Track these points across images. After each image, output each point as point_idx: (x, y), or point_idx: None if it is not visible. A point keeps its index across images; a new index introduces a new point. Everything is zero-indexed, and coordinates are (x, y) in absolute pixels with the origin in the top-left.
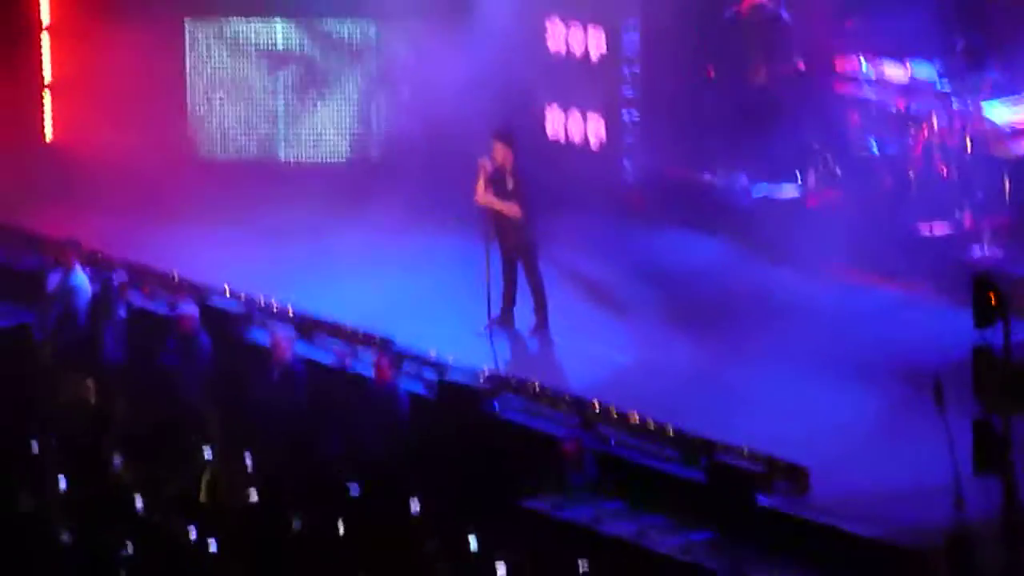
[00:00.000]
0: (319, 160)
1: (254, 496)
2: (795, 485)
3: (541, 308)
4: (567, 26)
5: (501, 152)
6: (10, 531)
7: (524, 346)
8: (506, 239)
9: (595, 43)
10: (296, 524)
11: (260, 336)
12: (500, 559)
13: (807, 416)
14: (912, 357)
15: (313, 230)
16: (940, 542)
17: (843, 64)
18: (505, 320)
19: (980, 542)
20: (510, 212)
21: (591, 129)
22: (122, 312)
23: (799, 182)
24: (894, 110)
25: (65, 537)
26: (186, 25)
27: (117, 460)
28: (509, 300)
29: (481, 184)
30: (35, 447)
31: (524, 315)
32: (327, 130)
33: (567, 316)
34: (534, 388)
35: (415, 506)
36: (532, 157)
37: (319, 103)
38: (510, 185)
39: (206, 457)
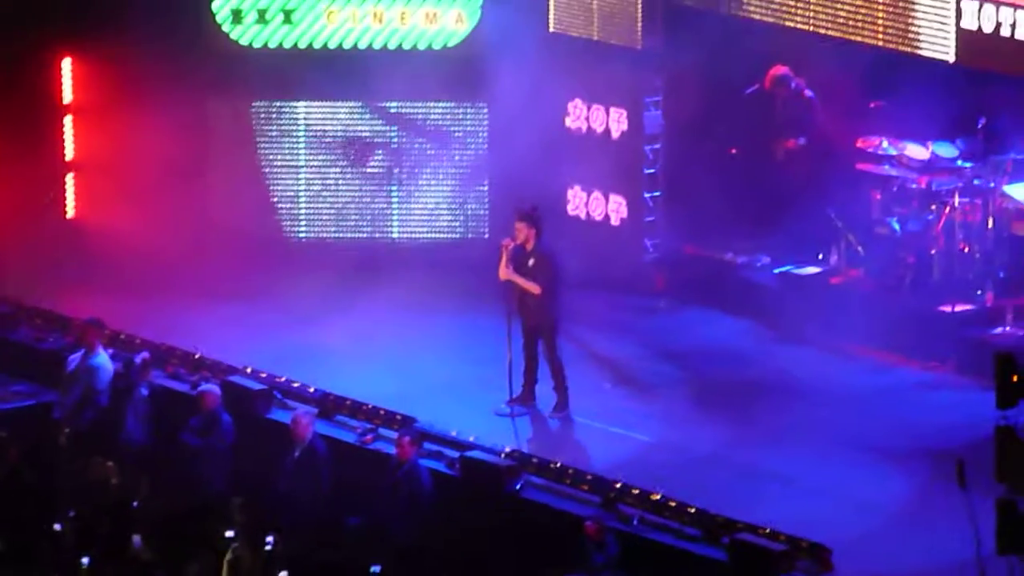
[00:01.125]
0: (341, 237)
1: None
2: (818, 565)
3: (561, 387)
4: (588, 107)
5: (523, 231)
6: None
7: (546, 425)
8: (527, 318)
9: (617, 122)
10: None
11: (281, 415)
12: None
13: (830, 496)
14: (935, 437)
15: (334, 309)
16: None
17: (865, 143)
18: (526, 399)
19: None
20: (531, 289)
21: (612, 208)
22: (144, 391)
23: (821, 260)
24: (916, 188)
25: None
26: (208, 104)
27: (137, 540)
28: (531, 379)
29: (503, 262)
30: (57, 527)
31: (546, 394)
32: (348, 208)
33: (589, 396)
34: (556, 467)
35: None
36: (554, 236)
37: (340, 182)
38: (531, 264)
39: (228, 537)
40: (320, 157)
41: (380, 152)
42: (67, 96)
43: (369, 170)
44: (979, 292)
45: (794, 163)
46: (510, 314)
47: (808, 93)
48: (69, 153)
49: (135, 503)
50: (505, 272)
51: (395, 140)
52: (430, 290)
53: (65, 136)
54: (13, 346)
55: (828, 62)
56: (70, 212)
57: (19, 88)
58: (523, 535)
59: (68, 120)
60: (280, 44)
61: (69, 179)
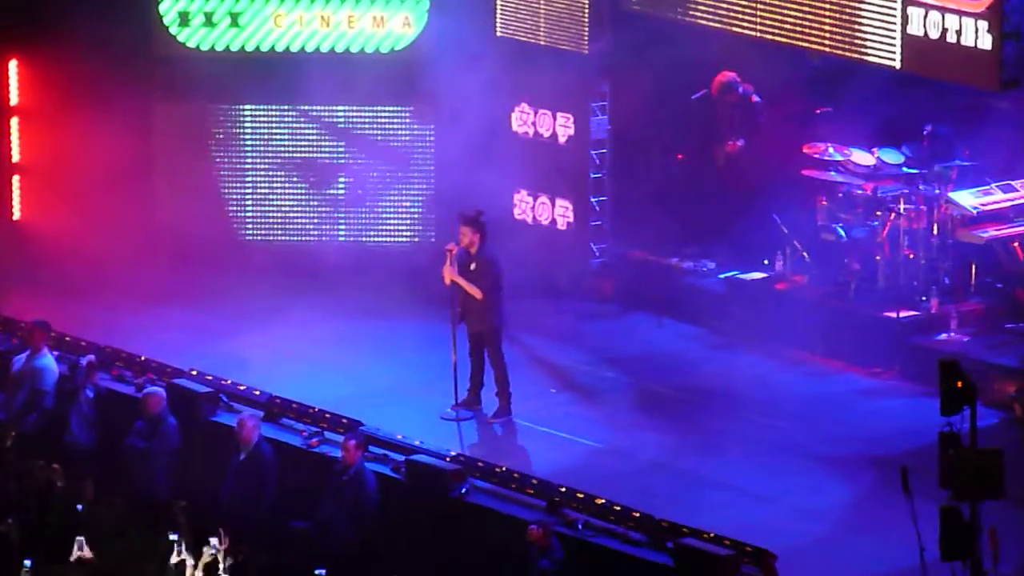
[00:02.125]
0: (286, 241)
1: None
2: (762, 570)
3: (504, 393)
4: (535, 111)
5: (467, 235)
6: None
7: (491, 430)
8: (471, 323)
9: (563, 127)
10: None
11: (227, 418)
12: None
13: (774, 502)
14: (879, 443)
15: (280, 311)
16: None
17: (811, 149)
18: (472, 403)
19: None
20: (473, 293)
21: (559, 212)
22: (89, 393)
23: (767, 266)
24: (861, 195)
25: None
26: (154, 107)
27: (81, 542)
28: (476, 383)
29: (447, 266)
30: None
31: (491, 399)
32: (293, 212)
33: (535, 400)
34: (501, 471)
35: None
36: (500, 240)
37: (285, 185)
38: (473, 268)
39: (172, 540)
40: (267, 161)
41: (342, 174)
42: (13, 98)
43: (314, 173)
44: (924, 298)
45: (737, 168)
46: (454, 319)
47: (755, 98)
48: (15, 155)
49: (80, 506)
50: (449, 275)
51: (342, 145)
52: (376, 294)
53: (11, 138)
54: None
55: (774, 68)
56: (16, 214)
57: None
58: (468, 539)
59: (14, 122)
60: (227, 47)
61: (15, 181)
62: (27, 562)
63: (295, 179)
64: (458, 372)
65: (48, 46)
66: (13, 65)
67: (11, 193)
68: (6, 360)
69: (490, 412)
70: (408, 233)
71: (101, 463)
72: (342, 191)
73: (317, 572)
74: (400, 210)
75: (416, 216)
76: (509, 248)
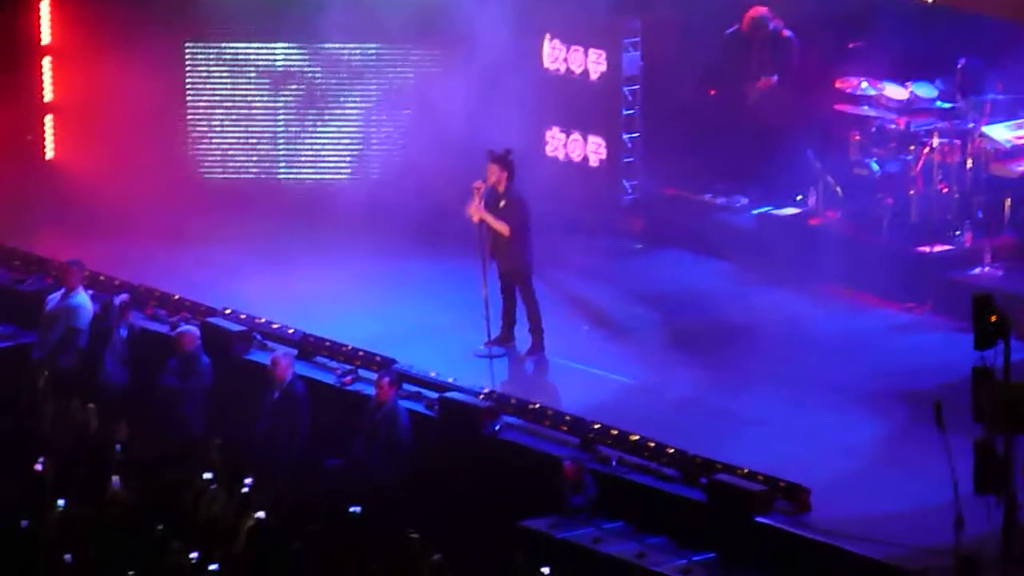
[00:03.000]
0: (320, 180)
1: (255, 518)
2: (796, 505)
3: (536, 330)
4: (567, 48)
5: (495, 173)
6: (12, 550)
7: (524, 367)
8: (501, 262)
9: (595, 63)
10: (296, 545)
11: (261, 356)
12: None
13: (808, 436)
14: (912, 378)
15: (313, 251)
16: (941, 562)
17: (844, 83)
18: (505, 340)
19: (984, 563)
20: (500, 230)
21: (591, 149)
22: (123, 332)
23: (800, 202)
24: (895, 129)
25: (67, 557)
26: (186, 47)
27: (116, 482)
28: (509, 320)
29: (474, 204)
30: (36, 468)
31: (523, 336)
32: (327, 151)
33: (568, 337)
34: (534, 408)
35: (416, 524)
36: (531, 177)
37: (319, 124)
38: (502, 206)
39: (206, 479)
40: (299, 99)
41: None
42: (45, 37)
43: (348, 111)
44: (957, 233)
45: (770, 103)
46: (484, 256)
47: (787, 33)
48: (48, 94)
49: (117, 446)
50: (477, 212)
51: (373, 82)
52: (408, 232)
53: (43, 77)
54: None
55: (806, 2)
56: (49, 154)
57: None
58: (501, 476)
59: (46, 61)
60: None
61: (48, 121)
62: (60, 502)
63: (327, 117)
64: (490, 309)
65: None
66: (45, 4)
67: (44, 133)
68: (40, 299)
69: (523, 349)
70: (438, 171)
71: (135, 402)
72: (374, 130)
73: (351, 510)
74: (430, 148)
75: (445, 154)
76: (540, 185)
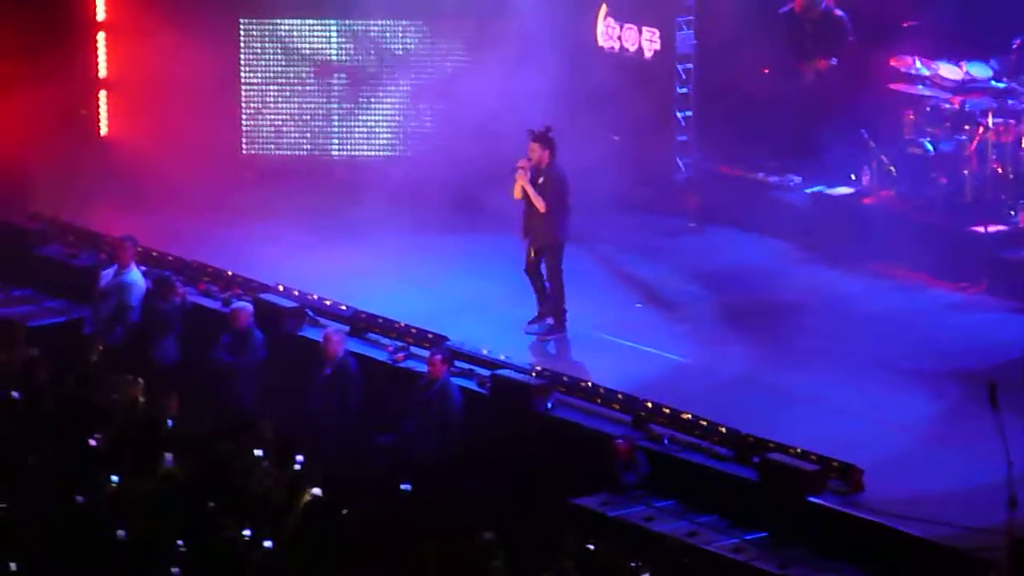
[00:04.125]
0: (373, 157)
1: (308, 495)
2: (849, 484)
3: (559, 309)
4: (621, 25)
5: (536, 151)
6: (66, 525)
7: (576, 344)
8: (534, 238)
9: (649, 41)
10: (350, 522)
11: (313, 333)
12: (552, 556)
13: (861, 416)
14: (966, 358)
15: (363, 228)
16: (994, 542)
17: (898, 62)
18: (544, 316)
19: None
20: (538, 206)
21: (645, 125)
22: (176, 308)
23: (853, 181)
24: (949, 108)
25: (121, 533)
26: (240, 23)
27: (169, 459)
28: (543, 297)
29: (518, 183)
30: (89, 443)
31: (580, 314)
32: (380, 128)
33: (620, 315)
34: (586, 386)
35: (467, 501)
36: (580, 149)
37: (372, 101)
38: (540, 182)
39: (258, 455)
40: (355, 75)
41: (409, 67)
42: (100, 13)
43: (401, 88)
44: (1012, 213)
45: (825, 83)
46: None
47: (839, 13)
48: (102, 70)
49: (168, 421)
50: (518, 190)
51: (427, 58)
52: (459, 209)
53: (98, 53)
54: (46, 262)
55: None
56: (103, 129)
57: (53, 4)
58: (553, 454)
59: (101, 37)
60: None
61: (102, 96)
62: (113, 477)
63: (380, 94)
64: (531, 288)
65: None
66: None
67: (98, 109)
68: (93, 274)
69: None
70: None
71: (187, 378)
72: (423, 107)
73: (402, 487)
74: (484, 127)
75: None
76: (592, 162)
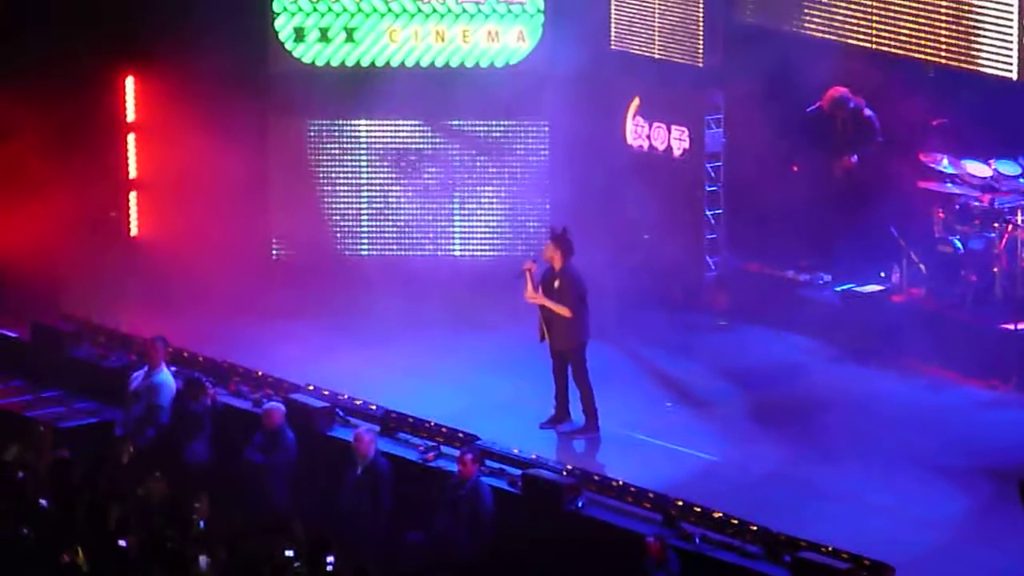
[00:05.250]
0: (401, 256)
1: None
2: None
3: (590, 410)
4: (650, 124)
5: (549, 251)
6: None
7: (607, 443)
8: (554, 340)
9: (678, 140)
10: None
11: (343, 432)
12: None
13: (891, 514)
14: (997, 455)
15: (394, 327)
16: None
17: (926, 159)
18: (560, 419)
19: None
20: (563, 313)
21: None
22: (207, 409)
23: (883, 278)
24: (978, 206)
25: None
26: (270, 123)
27: (204, 562)
28: (562, 399)
29: (529, 284)
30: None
31: (610, 412)
32: (408, 227)
33: (650, 413)
34: (617, 485)
35: None
36: (616, 250)
37: (402, 199)
38: (557, 285)
39: (289, 556)
40: (382, 175)
41: (433, 166)
42: (130, 114)
43: (430, 187)
44: None
45: (853, 180)
46: (544, 336)
47: (867, 112)
48: (132, 171)
49: (201, 522)
50: (534, 296)
51: (456, 158)
52: (489, 307)
53: (128, 154)
54: (76, 364)
55: (889, 80)
56: (133, 230)
57: (83, 106)
58: (585, 552)
59: (131, 138)
60: (343, 63)
61: (132, 197)
62: None
63: (410, 194)
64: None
65: (164, 63)
66: (130, 82)
67: (128, 209)
68: (124, 376)
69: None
70: (522, 247)
71: (218, 478)
72: (457, 206)
73: None
74: (515, 224)
75: (531, 230)
76: (627, 261)
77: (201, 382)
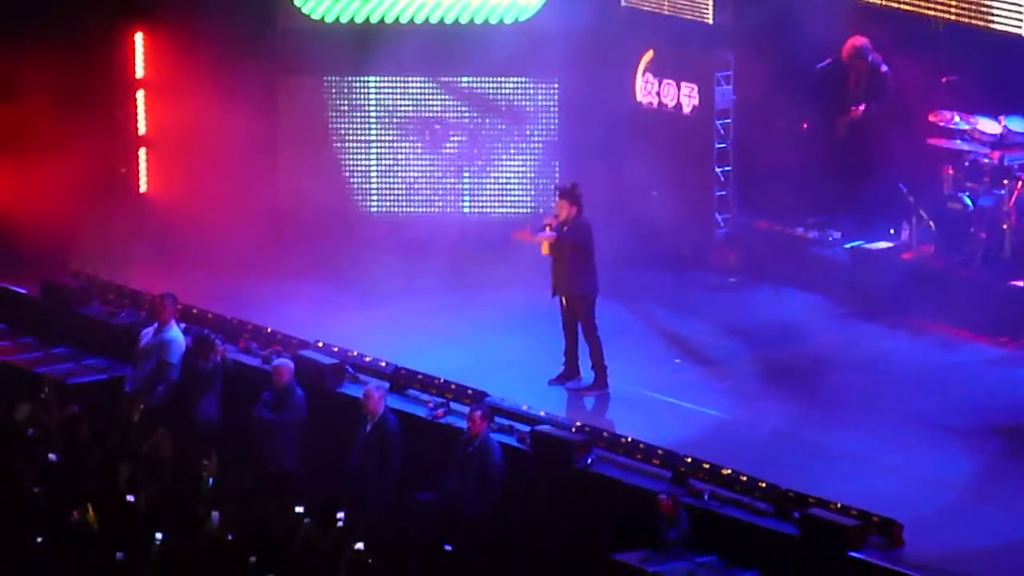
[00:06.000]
0: (410, 213)
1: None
2: (889, 539)
3: (599, 365)
4: (659, 81)
5: (564, 208)
6: None
7: (616, 400)
8: (564, 293)
9: (688, 97)
10: None
11: (353, 389)
12: None
13: (900, 472)
14: (1006, 413)
15: (403, 284)
16: None
17: (937, 117)
18: (569, 375)
19: None
20: (570, 264)
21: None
22: (216, 366)
23: (892, 235)
24: (988, 163)
25: None
26: (280, 80)
27: (216, 517)
28: (572, 356)
29: (544, 236)
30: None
31: (619, 369)
32: (417, 184)
33: (659, 370)
34: (626, 442)
35: (508, 557)
36: (625, 207)
37: (409, 157)
38: (569, 239)
39: (299, 512)
40: (391, 133)
41: (454, 132)
42: (139, 71)
43: (440, 145)
44: None
45: (862, 137)
46: (556, 291)
47: (884, 68)
48: (141, 128)
49: (210, 480)
50: (547, 246)
51: (465, 115)
52: (498, 264)
53: (137, 111)
54: (86, 321)
55: (899, 37)
56: (143, 187)
57: (92, 62)
58: (594, 510)
59: (140, 95)
60: (351, 19)
61: (142, 154)
62: (157, 535)
63: (418, 150)
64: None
65: (173, 19)
66: (139, 38)
67: (138, 166)
68: (134, 333)
69: (587, 384)
70: (531, 204)
71: (228, 435)
72: (464, 161)
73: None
74: (523, 181)
75: (540, 187)
76: (636, 219)
77: (210, 339)
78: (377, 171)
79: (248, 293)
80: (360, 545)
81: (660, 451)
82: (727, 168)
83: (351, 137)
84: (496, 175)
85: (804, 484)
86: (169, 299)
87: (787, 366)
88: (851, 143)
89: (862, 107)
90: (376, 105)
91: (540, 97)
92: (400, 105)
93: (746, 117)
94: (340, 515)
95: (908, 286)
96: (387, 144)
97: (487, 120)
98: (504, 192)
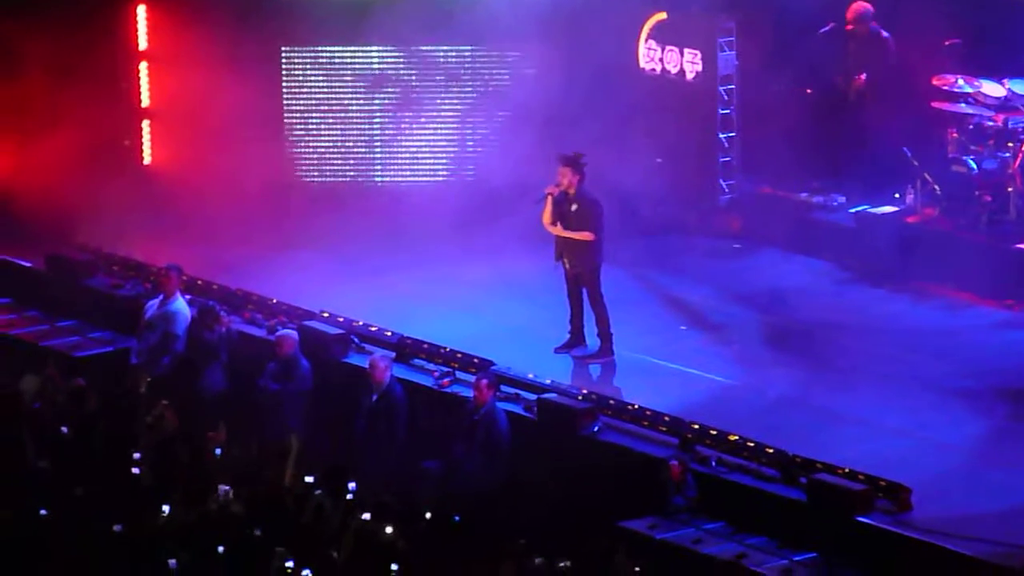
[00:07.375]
0: (415, 182)
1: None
2: (897, 504)
3: (605, 333)
4: (662, 47)
5: (567, 177)
6: (116, 553)
7: (622, 367)
8: (570, 263)
9: (691, 63)
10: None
11: (358, 359)
12: None
13: (908, 436)
14: (1011, 376)
15: (408, 254)
16: None
17: (940, 81)
18: (574, 344)
19: None
20: (584, 237)
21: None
22: (221, 337)
23: (897, 200)
24: (992, 126)
25: (172, 562)
26: (282, 51)
27: (224, 490)
28: (577, 324)
29: (548, 209)
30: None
31: (625, 336)
32: (423, 153)
33: (664, 337)
34: (633, 409)
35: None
36: (627, 178)
37: (415, 126)
38: (574, 209)
39: (307, 481)
40: (393, 102)
41: (457, 101)
42: (142, 43)
43: (443, 114)
44: None
45: (866, 101)
46: (559, 257)
47: (884, 34)
48: (145, 100)
49: (217, 450)
50: (552, 227)
51: (468, 82)
52: (503, 233)
53: (140, 83)
54: (91, 293)
55: (902, 1)
56: (147, 159)
57: (95, 34)
58: (601, 477)
59: (143, 67)
60: None
61: (145, 126)
62: (165, 508)
63: (422, 120)
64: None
65: None
66: (142, 10)
67: (141, 138)
68: (138, 305)
69: (593, 352)
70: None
71: (234, 406)
72: (470, 130)
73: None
74: (523, 151)
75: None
76: (640, 185)
77: (215, 310)
78: (381, 140)
79: (252, 264)
80: (367, 515)
81: (667, 418)
82: (731, 134)
83: (354, 107)
84: (501, 144)
85: (811, 449)
86: (174, 271)
87: (792, 331)
88: (855, 108)
89: (863, 76)
90: (379, 74)
91: (542, 64)
92: (403, 74)
93: (749, 83)
94: (351, 486)
95: (913, 250)
96: (390, 114)
97: (489, 86)
98: (505, 161)
